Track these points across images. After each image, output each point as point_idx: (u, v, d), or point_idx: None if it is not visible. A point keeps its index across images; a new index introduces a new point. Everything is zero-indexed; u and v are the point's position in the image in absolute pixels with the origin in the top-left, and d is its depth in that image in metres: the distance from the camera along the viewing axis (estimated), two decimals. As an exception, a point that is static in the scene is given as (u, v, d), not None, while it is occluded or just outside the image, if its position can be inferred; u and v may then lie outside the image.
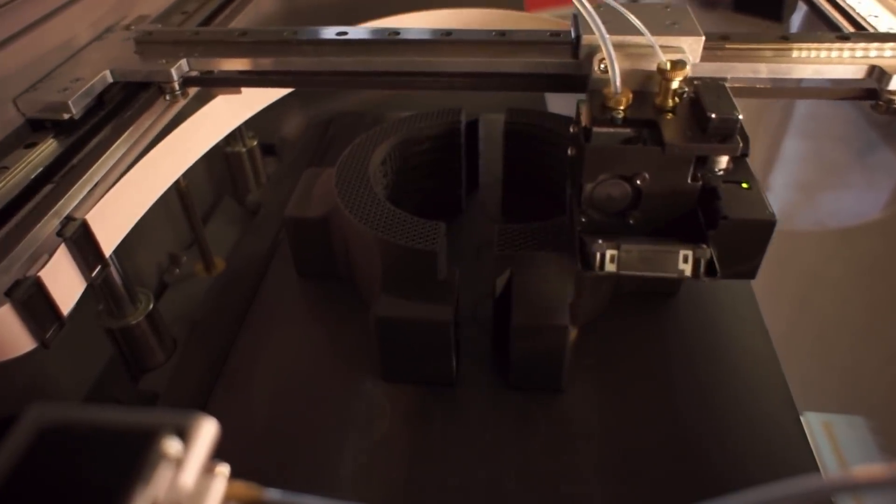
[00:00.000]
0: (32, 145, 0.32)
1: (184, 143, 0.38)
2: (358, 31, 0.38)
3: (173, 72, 0.36)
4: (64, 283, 0.28)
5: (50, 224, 0.28)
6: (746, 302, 0.41)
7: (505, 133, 0.44)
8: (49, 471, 0.14)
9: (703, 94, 0.28)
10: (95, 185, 0.31)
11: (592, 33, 0.30)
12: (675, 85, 0.29)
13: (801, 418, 0.35)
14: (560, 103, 0.43)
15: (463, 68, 0.36)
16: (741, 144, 0.27)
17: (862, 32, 0.37)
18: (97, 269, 0.30)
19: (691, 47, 0.32)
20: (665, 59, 0.29)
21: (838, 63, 0.34)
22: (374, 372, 0.37)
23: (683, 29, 0.32)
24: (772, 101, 0.90)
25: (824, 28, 0.41)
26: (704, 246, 0.28)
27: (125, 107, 0.36)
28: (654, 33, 0.31)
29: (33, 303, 0.26)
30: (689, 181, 0.28)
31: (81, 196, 0.30)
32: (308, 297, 0.43)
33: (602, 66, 0.31)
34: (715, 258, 0.28)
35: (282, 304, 0.43)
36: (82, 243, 0.29)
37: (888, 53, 0.33)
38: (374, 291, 0.36)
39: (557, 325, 0.32)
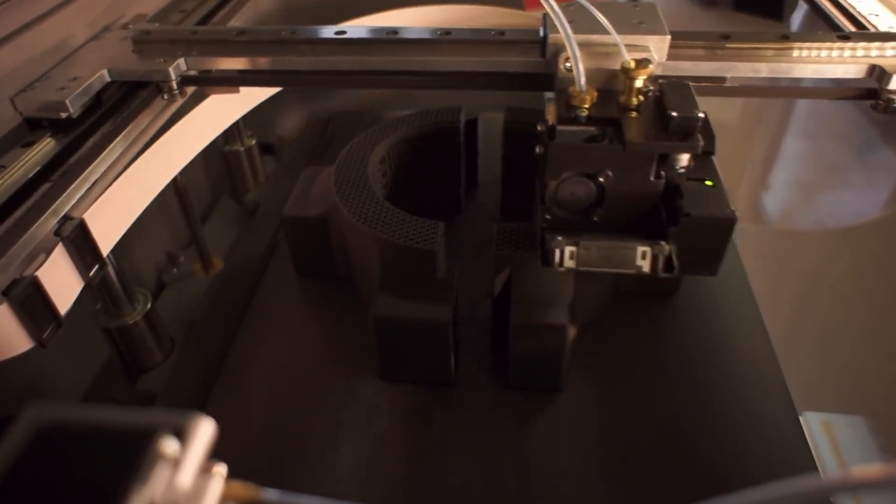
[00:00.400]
0: (30, 144, 0.32)
1: (181, 140, 0.38)
2: (356, 31, 0.38)
3: (171, 71, 0.36)
4: (61, 282, 0.28)
5: (47, 223, 0.28)
6: (745, 301, 0.41)
7: (504, 132, 0.44)
8: (46, 471, 0.14)
9: (665, 93, 0.28)
10: (93, 184, 0.31)
11: (559, 32, 0.30)
12: (639, 84, 0.29)
13: (801, 418, 0.35)
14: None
15: (435, 67, 0.36)
16: (701, 143, 0.27)
17: (862, 32, 0.37)
18: (95, 269, 0.30)
19: (657, 46, 0.32)
20: (629, 58, 0.29)
21: (839, 62, 0.34)
22: (373, 372, 0.37)
23: (650, 28, 0.33)
24: (772, 100, 0.90)
25: (825, 27, 0.41)
26: (663, 242, 0.28)
27: (123, 106, 0.35)
28: (620, 32, 0.31)
29: (30, 302, 0.26)
30: (651, 179, 0.29)
31: (79, 195, 0.30)
32: (306, 297, 0.43)
33: (567, 64, 0.31)
34: (675, 255, 0.28)
35: (280, 304, 0.43)
36: (80, 242, 0.29)
37: (889, 53, 0.33)
38: (372, 291, 0.36)
39: (556, 325, 0.32)
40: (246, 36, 0.38)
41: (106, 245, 0.31)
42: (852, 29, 0.38)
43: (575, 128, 0.29)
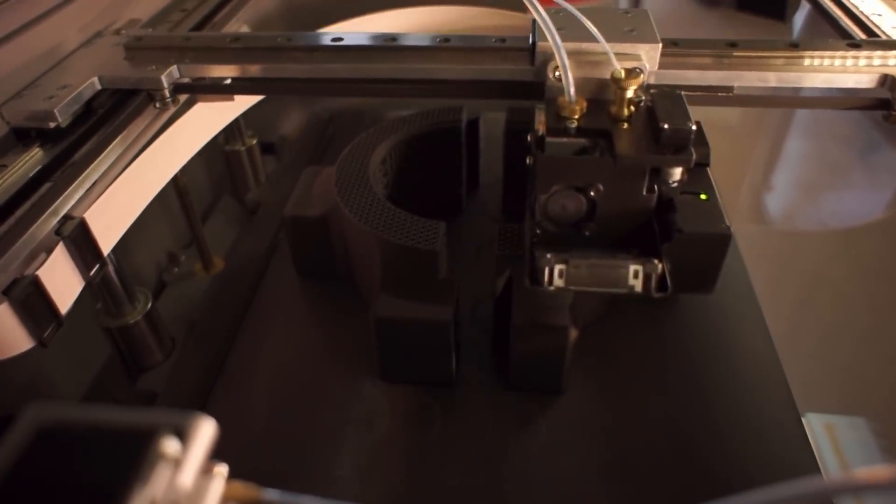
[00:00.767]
0: (26, 147, 0.32)
1: (181, 137, 0.38)
2: (353, 38, 0.37)
3: (163, 79, 0.35)
4: (62, 281, 0.28)
5: (48, 222, 0.28)
6: (748, 302, 0.41)
7: (506, 132, 0.44)
8: (47, 471, 0.14)
9: (657, 104, 0.27)
10: (94, 183, 0.31)
11: (548, 39, 0.29)
12: (629, 94, 0.28)
13: (803, 419, 0.34)
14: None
15: (423, 75, 0.35)
16: (693, 156, 0.26)
17: (874, 40, 0.36)
18: (95, 268, 0.30)
19: (649, 55, 0.31)
20: (619, 67, 0.28)
21: (850, 72, 0.33)
22: (374, 372, 0.36)
23: (641, 36, 0.32)
24: (774, 101, 0.90)
25: (828, 27, 0.41)
26: (655, 261, 0.27)
27: (114, 115, 0.35)
28: (610, 40, 0.30)
29: (31, 301, 0.26)
30: (644, 193, 0.28)
31: (80, 194, 0.30)
32: (307, 297, 0.43)
33: (557, 73, 0.30)
34: (668, 272, 0.27)
35: (281, 304, 0.43)
36: (80, 242, 0.29)
37: (903, 62, 0.32)
38: (373, 291, 0.36)
39: (558, 326, 0.32)
40: (240, 43, 0.37)
41: (107, 244, 0.31)
42: (856, 29, 0.38)
43: (564, 140, 0.28)
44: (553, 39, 0.28)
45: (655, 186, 0.28)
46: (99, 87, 0.35)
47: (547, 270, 0.28)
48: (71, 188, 0.30)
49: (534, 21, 0.32)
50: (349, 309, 0.40)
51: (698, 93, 0.34)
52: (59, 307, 0.28)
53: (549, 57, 0.31)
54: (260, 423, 0.35)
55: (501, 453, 0.33)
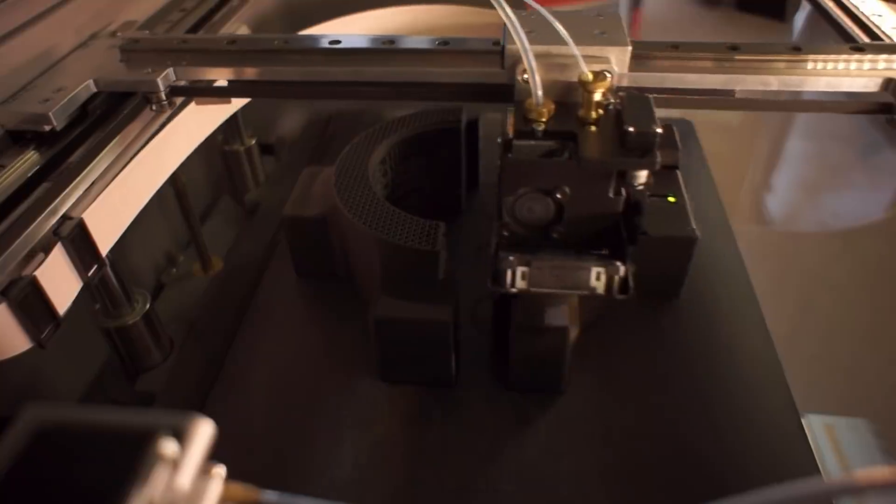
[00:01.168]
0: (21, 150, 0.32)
1: (178, 135, 0.37)
2: (350, 41, 0.37)
3: (159, 81, 0.35)
4: (60, 282, 0.28)
5: (46, 223, 0.28)
6: (748, 303, 0.41)
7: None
8: (45, 472, 0.14)
9: (624, 107, 0.27)
10: (92, 183, 0.31)
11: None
12: (597, 97, 0.28)
13: (803, 420, 0.34)
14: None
15: (391, 78, 0.35)
16: (658, 160, 0.26)
17: (877, 43, 0.36)
18: (93, 269, 0.30)
19: (618, 58, 0.31)
20: (587, 70, 0.28)
21: (854, 76, 0.33)
22: (373, 372, 0.36)
23: (611, 39, 0.31)
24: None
25: (828, 28, 0.40)
26: (618, 263, 0.27)
27: (109, 118, 0.34)
28: (580, 43, 0.30)
29: (29, 302, 0.26)
30: (611, 195, 0.28)
31: (78, 194, 0.30)
32: (306, 297, 0.43)
33: (525, 76, 0.30)
34: (631, 275, 0.27)
35: (280, 304, 0.42)
36: (79, 242, 0.29)
37: (906, 66, 0.32)
38: (373, 291, 0.35)
39: (558, 326, 0.32)
40: (237, 45, 0.37)
41: (105, 245, 0.31)
42: (856, 29, 0.38)
43: (531, 142, 0.28)
44: (520, 42, 0.28)
45: (623, 189, 0.28)
46: (94, 89, 0.35)
47: (509, 272, 0.28)
48: (69, 188, 0.29)
49: (504, 25, 0.32)
50: (348, 309, 0.40)
51: (699, 96, 0.34)
52: (58, 308, 0.28)
53: (517, 59, 0.30)
54: (259, 424, 0.35)
55: (501, 453, 0.33)
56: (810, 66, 0.33)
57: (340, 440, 0.34)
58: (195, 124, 0.39)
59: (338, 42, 0.37)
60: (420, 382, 0.36)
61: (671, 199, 0.28)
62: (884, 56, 0.33)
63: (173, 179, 0.47)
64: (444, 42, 0.36)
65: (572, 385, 0.35)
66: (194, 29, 0.44)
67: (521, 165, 0.28)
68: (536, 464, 0.32)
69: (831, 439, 0.59)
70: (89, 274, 0.30)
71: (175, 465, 0.14)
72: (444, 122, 0.43)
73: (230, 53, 0.37)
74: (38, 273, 0.27)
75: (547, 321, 0.32)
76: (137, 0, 0.45)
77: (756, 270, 0.43)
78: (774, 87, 0.33)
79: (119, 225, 0.33)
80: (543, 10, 0.31)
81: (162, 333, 0.43)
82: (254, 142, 0.59)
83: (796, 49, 0.34)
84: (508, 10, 0.28)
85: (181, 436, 0.15)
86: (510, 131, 0.29)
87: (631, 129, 0.26)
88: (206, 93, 0.38)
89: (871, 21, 0.38)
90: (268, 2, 0.56)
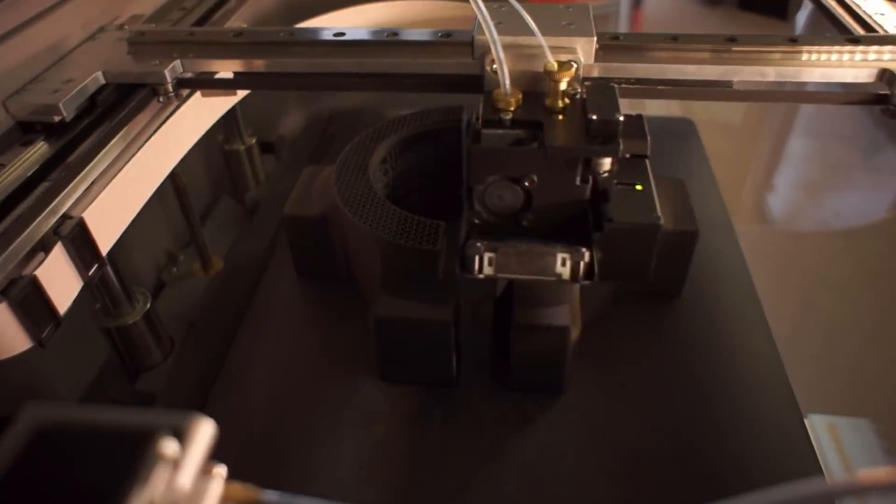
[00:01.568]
0: (29, 143, 0.32)
1: (177, 132, 0.38)
2: (356, 32, 0.38)
3: (167, 73, 0.35)
4: (60, 282, 0.28)
5: (46, 222, 0.28)
6: (750, 302, 0.41)
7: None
8: (44, 472, 0.14)
9: (588, 96, 0.28)
10: (91, 182, 0.31)
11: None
12: (563, 86, 0.29)
13: (805, 420, 0.34)
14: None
15: (369, 69, 0.36)
16: (620, 146, 0.27)
17: (872, 35, 0.36)
18: (94, 268, 0.30)
19: (584, 48, 0.32)
20: (553, 60, 0.29)
21: (848, 66, 0.33)
22: (374, 372, 0.36)
23: (577, 30, 0.32)
24: (777, 100, 0.90)
25: (830, 26, 0.40)
26: (583, 249, 0.27)
27: (117, 109, 0.35)
28: (547, 34, 0.30)
29: (29, 302, 0.26)
30: (578, 183, 0.28)
31: (78, 194, 0.30)
32: (307, 297, 0.43)
33: (494, 66, 0.30)
34: (597, 261, 0.28)
35: (280, 304, 0.42)
36: (79, 242, 0.29)
37: (900, 56, 0.33)
38: (373, 291, 0.35)
39: (559, 326, 0.32)
40: (243, 37, 0.38)
41: (105, 244, 0.31)
42: (858, 28, 0.38)
43: (499, 131, 0.28)
44: (489, 32, 0.29)
45: (590, 177, 0.28)
46: (103, 81, 0.36)
47: (476, 258, 0.28)
48: (69, 187, 0.29)
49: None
50: (349, 309, 0.40)
51: (697, 87, 0.34)
52: (58, 307, 0.28)
53: (486, 50, 0.31)
54: (259, 424, 0.35)
55: (502, 454, 0.33)
56: (805, 57, 0.34)
57: (340, 440, 0.34)
58: (195, 117, 0.39)
59: (342, 34, 0.37)
60: (420, 382, 0.36)
61: (638, 187, 0.29)
62: (877, 47, 0.33)
63: (174, 178, 0.47)
64: (447, 34, 0.37)
65: (573, 385, 0.35)
66: (196, 27, 0.44)
67: (488, 154, 0.28)
68: (537, 464, 0.32)
69: (834, 439, 0.59)
70: (90, 273, 0.30)
71: (175, 464, 0.14)
72: (444, 121, 0.43)
73: (237, 45, 0.37)
74: (38, 272, 0.27)
75: (548, 321, 0.32)
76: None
77: (758, 270, 0.43)
78: (771, 78, 0.34)
79: (119, 224, 0.33)
80: (514, 2, 0.32)
81: (162, 333, 0.43)
82: (254, 141, 0.59)
83: (793, 41, 0.34)
84: (479, 1, 0.29)
85: (181, 435, 0.15)
86: (478, 121, 0.29)
87: (594, 116, 0.27)
88: (213, 84, 0.38)
89: (873, 20, 0.38)
90: (267, 1, 0.56)
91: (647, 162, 0.30)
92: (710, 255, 0.42)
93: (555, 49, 0.30)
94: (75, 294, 0.30)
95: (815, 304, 0.73)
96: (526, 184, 0.28)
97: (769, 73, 0.34)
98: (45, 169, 0.31)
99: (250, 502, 0.16)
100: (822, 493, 0.14)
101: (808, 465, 0.32)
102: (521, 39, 0.31)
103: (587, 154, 0.27)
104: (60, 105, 0.33)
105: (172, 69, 0.36)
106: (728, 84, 0.34)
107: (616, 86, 0.29)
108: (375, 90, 0.38)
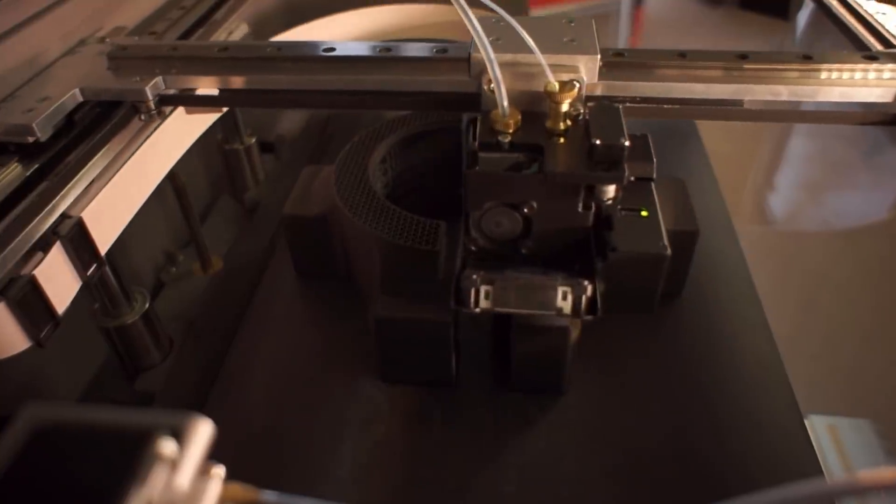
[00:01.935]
0: (1, 165, 0.30)
1: (176, 130, 0.37)
2: (345, 47, 0.36)
3: (148, 90, 0.34)
4: (59, 281, 0.28)
5: (45, 221, 0.28)
6: (750, 303, 0.41)
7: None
8: (43, 472, 0.14)
9: (592, 118, 0.26)
10: (91, 182, 0.31)
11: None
12: (565, 107, 0.27)
13: (806, 421, 0.34)
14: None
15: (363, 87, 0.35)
16: (626, 174, 0.25)
17: (891, 52, 0.35)
18: (93, 268, 0.30)
19: (587, 66, 0.30)
20: (553, 80, 0.27)
21: (864, 85, 0.32)
22: (373, 372, 0.36)
23: (579, 46, 0.30)
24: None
25: (831, 26, 0.40)
26: (585, 282, 0.26)
27: (96, 128, 0.33)
28: (546, 51, 0.28)
29: (28, 302, 0.26)
30: (580, 210, 0.27)
31: (77, 193, 0.30)
32: (306, 297, 0.43)
33: (491, 85, 0.28)
34: (599, 293, 0.26)
35: (280, 304, 0.42)
36: (78, 241, 0.29)
37: (921, 75, 0.31)
38: (373, 291, 0.35)
39: (559, 326, 0.32)
40: (229, 52, 0.36)
41: (104, 244, 0.31)
42: (860, 28, 0.38)
43: (497, 155, 0.27)
44: (484, 50, 0.27)
45: (592, 203, 0.27)
46: (81, 98, 0.34)
47: (473, 291, 0.27)
48: (68, 187, 0.29)
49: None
50: (348, 309, 0.40)
51: (706, 106, 0.33)
52: (57, 307, 0.28)
53: (483, 68, 0.29)
54: (258, 424, 0.35)
55: (502, 454, 0.33)
56: (824, 75, 0.32)
57: (340, 440, 0.34)
58: (192, 118, 0.39)
59: (332, 49, 0.36)
60: (420, 382, 0.36)
61: (644, 213, 0.27)
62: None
63: (173, 178, 0.46)
64: (443, 49, 0.35)
65: (573, 385, 0.35)
66: (194, 27, 0.44)
67: (486, 179, 0.27)
68: (537, 464, 0.32)
69: (834, 440, 0.59)
70: (88, 273, 0.30)
71: (174, 465, 0.14)
72: (444, 121, 0.43)
73: (221, 61, 0.36)
74: (36, 272, 0.26)
75: (548, 321, 0.32)
76: (129, 4, 0.44)
77: (759, 270, 0.43)
78: (784, 97, 0.32)
79: (118, 223, 0.33)
80: (509, 17, 0.29)
81: (161, 333, 0.43)
82: (253, 140, 0.59)
83: (807, 58, 0.33)
84: (472, 16, 0.27)
85: (180, 435, 0.15)
86: (474, 143, 0.28)
87: (598, 141, 0.25)
88: (196, 102, 0.37)
89: (874, 19, 0.38)
90: (267, 1, 0.56)
91: (653, 185, 0.29)
92: (711, 255, 0.41)
93: (556, 67, 0.28)
94: (74, 294, 0.29)
95: (816, 305, 0.73)
96: (525, 210, 0.27)
97: (782, 92, 0.32)
98: (18, 191, 0.29)
99: (249, 502, 0.16)
100: (822, 494, 0.14)
101: (809, 465, 0.32)
102: (520, 57, 0.29)
103: (590, 181, 0.26)
104: (34, 125, 0.31)
105: (154, 86, 0.34)
106: (739, 103, 0.32)
107: (621, 106, 0.27)
108: (367, 109, 0.37)
